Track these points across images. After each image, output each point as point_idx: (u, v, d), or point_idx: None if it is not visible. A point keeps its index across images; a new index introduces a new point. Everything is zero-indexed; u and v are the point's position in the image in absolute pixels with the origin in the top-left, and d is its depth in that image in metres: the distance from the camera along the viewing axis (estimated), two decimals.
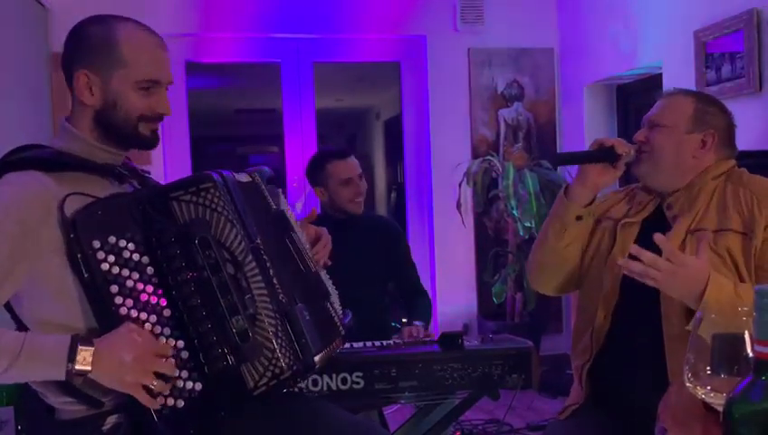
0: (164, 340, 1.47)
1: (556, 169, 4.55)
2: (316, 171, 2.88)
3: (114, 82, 1.54)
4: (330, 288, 1.76)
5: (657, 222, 1.84)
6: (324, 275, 1.77)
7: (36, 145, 1.59)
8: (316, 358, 1.57)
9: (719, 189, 1.81)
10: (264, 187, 1.69)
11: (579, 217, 1.88)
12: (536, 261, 1.99)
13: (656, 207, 1.88)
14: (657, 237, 1.64)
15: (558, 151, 4.90)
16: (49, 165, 1.49)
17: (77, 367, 1.36)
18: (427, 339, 2.45)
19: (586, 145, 4.75)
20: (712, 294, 1.59)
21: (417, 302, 2.91)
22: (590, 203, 1.89)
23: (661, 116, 1.87)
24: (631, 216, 1.89)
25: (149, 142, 1.60)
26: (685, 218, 1.79)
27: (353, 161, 2.88)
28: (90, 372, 1.38)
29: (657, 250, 1.70)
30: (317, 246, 1.79)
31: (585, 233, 1.92)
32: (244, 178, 1.64)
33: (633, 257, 1.63)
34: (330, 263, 1.82)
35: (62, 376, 1.37)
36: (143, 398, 1.42)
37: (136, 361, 1.39)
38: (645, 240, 1.81)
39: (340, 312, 1.73)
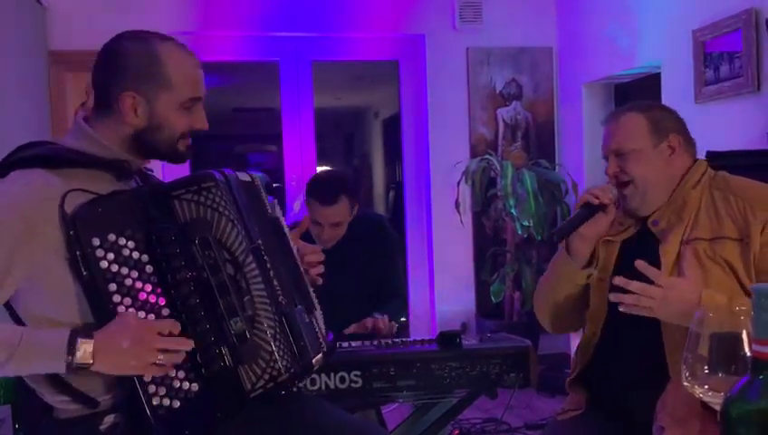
0: None
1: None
2: (305, 195, 2.79)
3: (160, 104, 1.54)
4: (315, 303, 1.74)
5: (639, 240, 1.84)
6: (311, 291, 1.76)
7: (42, 142, 1.59)
8: (314, 360, 1.57)
9: (706, 197, 1.80)
10: (262, 189, 1.69)
11: (590, 276, 1.87)
12: (551, 313, 1.98)
13: (638, 228, 1.87)
14: (639, 264, 1.63)
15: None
16: (54, 162, 1.49)
17: (77, 360, 1.37)
18: (393, 329, 2.41)
19: (584, 145, 4.78)
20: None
21: (386, 300, 2.81)
22: (594, 254, 1.88)
23: (624, 143, 1.84)
24: (612, 234, 1.88)
25: (184, 157, 1.62)
26: (676, 230, 1.78)
27: (333, 210, 2.68)
28: (92, 364, 1.38)
29: (651, 265, 1.70)
30: (307, 259, 1.78)
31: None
32: (245, 177, 1.64)
33: (620, 289, 1.61)
34: (320, 281, 1.80)
35: (62, 369, 1.37)
36: (153, 372, 1.42)
37: (134, 343, 1.39)
38: (626, 257, 1.82)
39: (324, 330, 1.72)
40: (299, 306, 1.59)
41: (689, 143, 1.87)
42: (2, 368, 1.37)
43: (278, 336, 1.48)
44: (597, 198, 1.81)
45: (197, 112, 1.60)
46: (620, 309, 1.63)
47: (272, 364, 1.45)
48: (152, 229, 1.48)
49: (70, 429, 1.48)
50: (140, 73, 1.53)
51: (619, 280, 1.62)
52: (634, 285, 1.59)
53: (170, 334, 1.43)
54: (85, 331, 1.42)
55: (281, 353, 1.46)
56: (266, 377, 1.45)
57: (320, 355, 1.61)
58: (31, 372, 1.45)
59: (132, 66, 1.53)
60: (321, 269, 1.80)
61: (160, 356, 1.41)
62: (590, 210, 1.83)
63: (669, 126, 1.85)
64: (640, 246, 1.81)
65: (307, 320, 1.59)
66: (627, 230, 1.88)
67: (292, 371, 1.48)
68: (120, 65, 1.54)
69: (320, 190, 2.71)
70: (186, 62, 1.57)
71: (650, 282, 1.61)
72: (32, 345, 1.37)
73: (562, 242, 1.91)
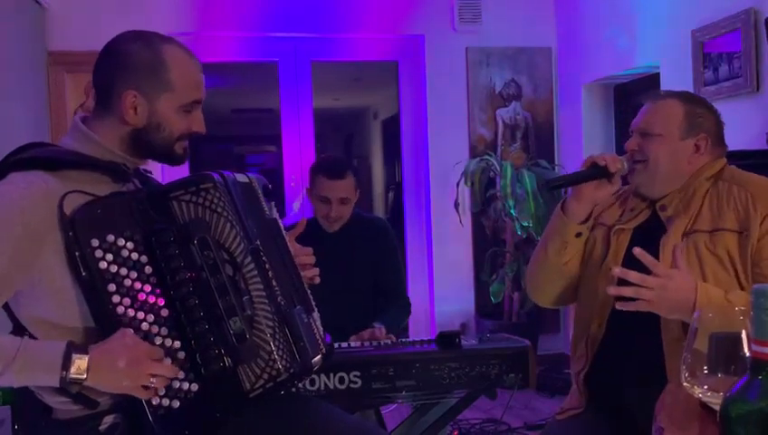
0: (160, 340, 1.47)
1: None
2: (310, 176, 2.83)
3: (160, 105, 1.54)
4: (313, 305, 1.74)
5: (650, 227, 1.84)
6: (309, 293, 1.75)
7: (40, 143, 1.58)
8: (313, 361, 1.57)
9: (712, 189, 1.80)
10: (259, 191, 1.69)
11: (578, 234, 1.87)
12: (536, 277, 1.97)
13: (650, 213, 1.86)
14: (636, 251, 1.62)
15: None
16: (53, 164, 1.49)
17: (71, 375, 1.37)
18: (388, 341, 2.37)
19: (584, 145, 4.78)
20: (703, 302, 1.58)
21: (389, 305, 2.78)
22: (588, 217, 1.88)
23: (652, 124, 1.84)
24: (624, 221, 1.88)
25: (181, 159, 1.63)
26: (680, 221, 1.78)
27: (341, 184, 2.71)
28: (85, 380, 1.38)
29: (650, 254, 1.69)
30: (300, 260, 1.78)
31: (582, 247, 1.91)
32: (243, 178, 1.65)
33: (621, 282, 1.60)
34: (317, 281, 1.80)
35: (56, 383, 1.37)
36: (143, 395, 1.43)
37: (129, 365, 1.39)
38: (638, 245, 1.80)
39: (322, 331, 1.72)
40: (298, 307, 1.59)
41: (718, 147, 1.86)
42: None
43: (277, 336, 1.48)
44: (605, 161, 1.81)
45: (196, 115, 1.61)
46: (617, 307, 1.62)
47: (271, 364, 1.45)
48: (151, 230, 1.48)
49: (69, 429, 1.48)
50: (144, 74, 1.53)
51: (618, 271, 1.60)
52: (632, 275, 1.57)
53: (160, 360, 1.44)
54: (85, 337, 1.43)
55: (280, 353, 1.46)
56: (266, 377, 1.45)
57: (318, 356, 1.61)
58: (26, 383, 1.45)
59: (136, 66, 1.53)
60: (316, 271, 1.80)
61: (152, 380, 1.42)
62: (593, 172, 1.82)
63: (704, 125, 1.84)
64: (649, 234, 1.80)
65: (306, 320, 1.59)
66: (638, 216, 1.87)
67: (291, 370, 1.48)
68: (123, 65, 1.54)
69: (328, 166, 2.77)
70: (189, 65, 1.58)
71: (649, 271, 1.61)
72: (28, 358, 1.37)
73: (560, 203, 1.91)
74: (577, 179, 1.85)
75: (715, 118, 1.87)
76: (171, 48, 1.56)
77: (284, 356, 1.47)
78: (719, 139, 1.87)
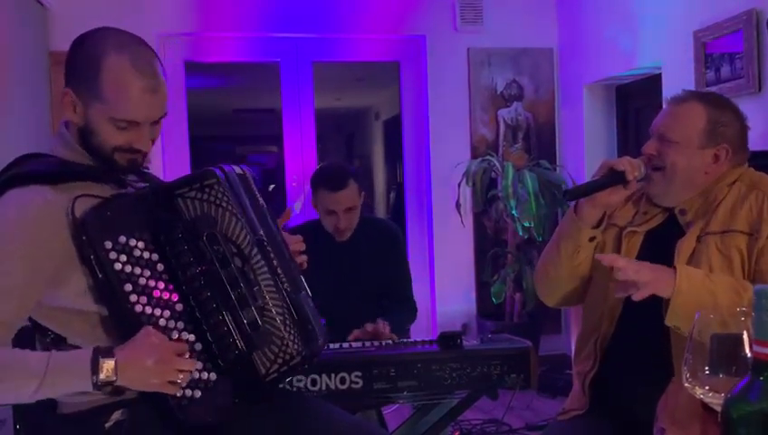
0: (177, 334, 1.50)
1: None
2: (312, 189, 2.79)
3: (92, 112, 1.51)
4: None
5: (664, 231, 1.82)
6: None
7: (37, 154, 1.58)
8: (321, 342, 1.62)
9: (732, 192, 1.78)
10: (252, 182, 1.71)
11: (592, 238, 1.85)
12: (546, 277, 1.96)
13: (664, 217, 1.84)
14: (598, 257, 1.68)
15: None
16: (52, 178, 1.49)
17: (102, 378, 1.40)
18: (388, 337, 2.39)
19: (585, 146, 4.78)
20: (683, 280, 1.61)
21: (395, 308, 2.78)
22: (601, 221, 1.86)
23: (671, 130, 1.80)
24: (636, 224, 1.86)
25: (124, 170, 1.58)
26: (697, 225, 1.76)
27: (344, 194, 2.69)
28: (115, 381, 1.41)
29: (662, 260, 1.69)
30: (293, 247, 1.78)
31: (594, 249, 1.89)
32: (238, 170, 1.67)
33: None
34: (305, 267, 1.79)
35: (89, 387, 1.40)
36: (171, 391, 1.46)
37: (157, 363, 1.43)
38: (650, 249, 1.80)
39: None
40: (303, 292, 1.63)
41: (739, 155, 1.82)
42: (35, 394, 1.40)
43: (287, 322, 1.52)
44: (623, 166, 1.77)
45: (137, 133, 1.53)
46: (615, 295, 1.67)
47: (284, 349, 1.50)
48: (159, 228, 1.52)
49: (74, 426, 1.50)
50: (77, 76, 1.52)
51: (599, 256, 1.66)
52: (608, 259, 1.64)
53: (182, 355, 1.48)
54: (103, 323, 1.47)
55: (292, 338, 1.51)
56: (279, 361, 1.50)
57: (323, 339, 1.66)
58: (60, 393, 1.46)
59: (73, 67, 1.54)
60: (304, 258, 1.80)
61: (180, 375, 1.45)
62: (611, 179, 1.79)
63: (726, 135, 1.79)
64: (662, 238, 1.79)
65: (311, 305, 1.64)
66: (652, 220, 1.85)
67: (303, 353, 1.53)
68: (67, 62, 1.55)
69: (328, 178, 2.73)
70: (128, 82, 1.48)
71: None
72: (58, 371, 1.40)
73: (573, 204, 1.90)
74: (595, 188, 1.81)
75: (739, 124, 1.83)
76: (118, 60, 1.48)
77: (296, 340, 1.52)
78: (741, 146, 1.83)
